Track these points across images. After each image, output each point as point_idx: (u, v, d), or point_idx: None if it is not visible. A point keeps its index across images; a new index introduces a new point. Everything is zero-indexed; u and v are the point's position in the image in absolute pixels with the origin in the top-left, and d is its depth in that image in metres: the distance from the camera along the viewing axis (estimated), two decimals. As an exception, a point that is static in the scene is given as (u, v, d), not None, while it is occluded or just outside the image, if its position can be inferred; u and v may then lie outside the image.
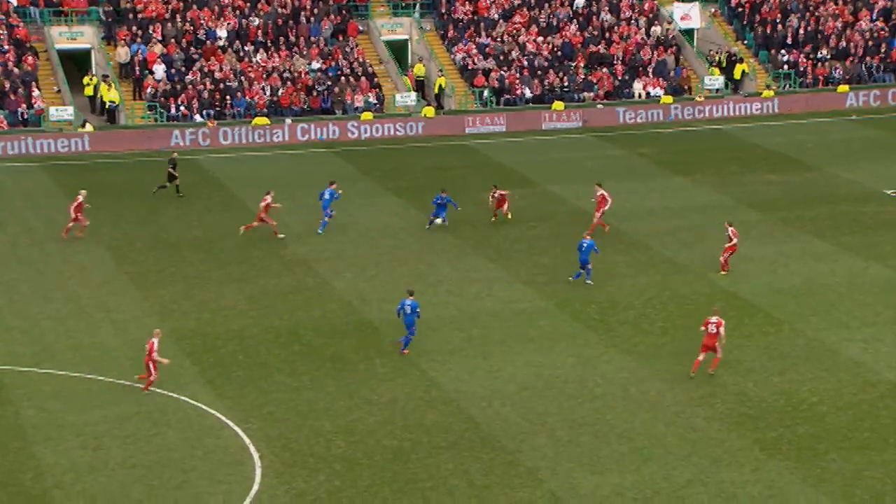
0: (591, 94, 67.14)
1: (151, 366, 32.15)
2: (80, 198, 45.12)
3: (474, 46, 68.21)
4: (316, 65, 65.45)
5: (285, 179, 54.04)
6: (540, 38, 69.18)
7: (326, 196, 45.94)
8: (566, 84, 67.18)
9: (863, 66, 69.78)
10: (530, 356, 35.29)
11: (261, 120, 61.78)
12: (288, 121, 62.03)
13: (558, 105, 65.49)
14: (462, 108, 65.65)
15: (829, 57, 70.22)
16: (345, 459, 29.27)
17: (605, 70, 68.37)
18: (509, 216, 47.29)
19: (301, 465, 28.97)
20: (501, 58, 67.89)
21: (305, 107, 63.46)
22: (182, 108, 61.89)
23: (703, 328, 33.67)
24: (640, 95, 67.63)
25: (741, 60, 69.43)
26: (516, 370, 34.34)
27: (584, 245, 40.47)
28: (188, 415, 31.49)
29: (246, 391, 32.96)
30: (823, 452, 29.19)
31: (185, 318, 38.03)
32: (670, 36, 70.65)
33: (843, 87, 68.00)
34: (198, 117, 61.91)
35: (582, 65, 68.30)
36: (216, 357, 35.23)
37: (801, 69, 69.58)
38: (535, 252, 44.44)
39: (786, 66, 69.79)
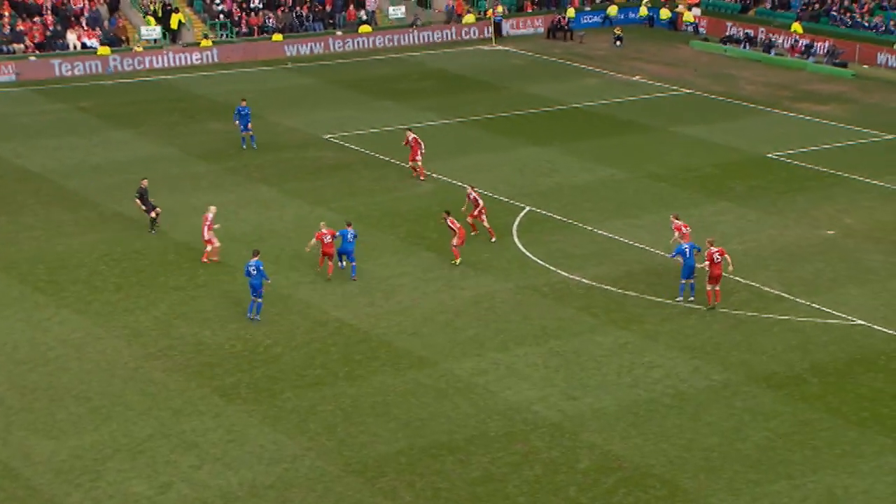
0: (22, 45, 64.09)
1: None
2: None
3: None
4: None
5: None
6: (-39, -13, 65.03)
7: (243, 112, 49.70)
8: (-6, 35, 63.69)
9: (293, 15, 72.06)
10: (-25, 325, 33.44)
11: None
12: None
13: (-12, 58, 61.96)
14: None
15: (261, 7, 71.84)
16: None
17: (34, 20, 65.49)
18: None
19: None
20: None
21: None
22: None
23: (707, 262, 34.01)
24: (74, 47, 65.52)
25: (176, 10, 69.23)
26: (-40, 341, 32.41)
27: (685, 249, 34.62)
28: None
29: None
30: (280, 392, 30.18)
31: None
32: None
33: (278, 36, 69.90)
34: None
35: (7, 14, 64.95)
36: None
37: (236, 18, 70.62)
38: (-26, 215, 42.10)
39: (221, 16, 70.53)
